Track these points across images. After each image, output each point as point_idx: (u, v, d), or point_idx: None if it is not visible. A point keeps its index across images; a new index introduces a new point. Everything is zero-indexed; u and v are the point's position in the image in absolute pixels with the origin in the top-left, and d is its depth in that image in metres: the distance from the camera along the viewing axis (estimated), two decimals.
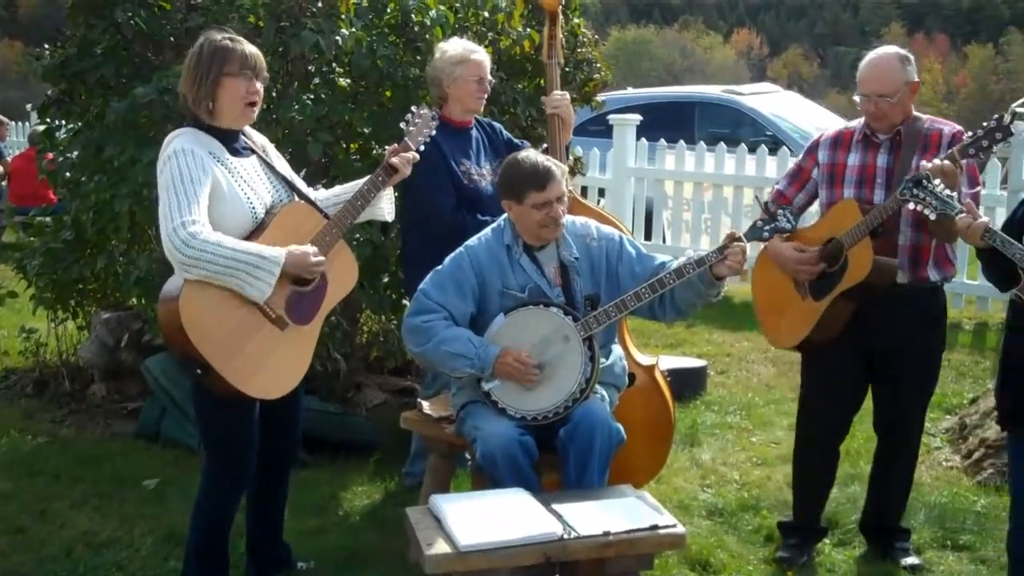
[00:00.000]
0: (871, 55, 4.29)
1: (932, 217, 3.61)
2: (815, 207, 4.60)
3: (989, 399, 5.64)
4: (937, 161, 3.85)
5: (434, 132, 4.10)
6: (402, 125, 4.05)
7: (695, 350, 7.78)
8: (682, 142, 10.28)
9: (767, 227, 3.85)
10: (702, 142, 10.32)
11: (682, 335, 8.26)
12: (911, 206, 3.69)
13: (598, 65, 6.61)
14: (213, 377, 3.48)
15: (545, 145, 5.27)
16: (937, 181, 3.61)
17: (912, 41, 59.50)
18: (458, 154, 4.70)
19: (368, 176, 3.92)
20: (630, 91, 15.16)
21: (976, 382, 6.80)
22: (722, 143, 10.08)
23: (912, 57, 4.27)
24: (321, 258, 3.67)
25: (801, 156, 4.50)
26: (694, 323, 8.43)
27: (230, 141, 3.71)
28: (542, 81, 6.05)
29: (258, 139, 3.88)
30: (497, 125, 5.01)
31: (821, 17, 72.27)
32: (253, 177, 3.72)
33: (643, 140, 10.44)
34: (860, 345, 4.24)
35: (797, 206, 4.42)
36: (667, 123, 11.82)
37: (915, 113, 4.25)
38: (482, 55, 4.78)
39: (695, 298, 3.87)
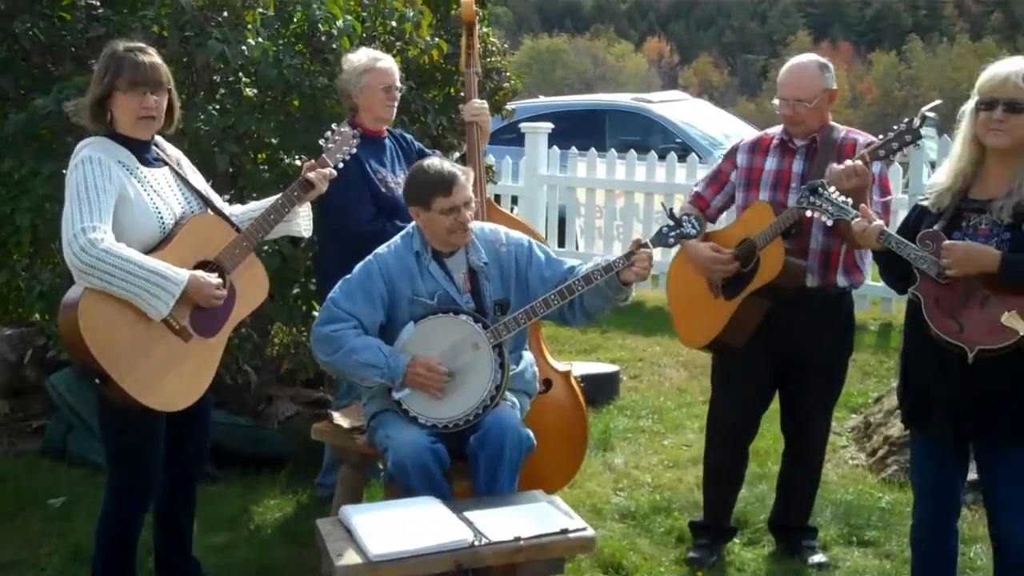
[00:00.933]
0: (792, 62, 4.40)
1: (829, 223, 3.70)
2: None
3: (893, 398, 5.76)
4: (849, 162, 3.94)
5: (355, 150, 4.07)
6: (321, 142, 4.01)
7: (609, 355, 7.84)
8: (593, 150, 10.36)
9: (672, 233, 3.91)
10: (613, 150, 10.41)
11: (596, 340, 8.31)
12: (808, 213, 3.77)
13: (508, 74, 6.64)
14: (112, 387, 3.43)
15: (459, 153, 5.30)
16: (832, 188, 3.70)
17: (818, 49, 60.71)
18: (374, 162, 4.69)
19: (283, 191, 3.89)
20: (541, 99, 15.26)
21: (880, 381, 6.96)
22: (632, 150, 10.19)
23: (831, 65, 4.38)
24: (223, 292, 3.63)
25: (721, 159, 4.59)
26: (608, 329, 8.50)
27: (141, 151, 3.66)
28: (452, 90, 6.09)
29: (172, 151, 3.84)
30: (408, 136, 5.02)
31: (729, 26, 73.40)
32: (164, 188, 3.67)
33: (555, 148, 10.50)
34: (769, 348, 4.32)
35: (715, 208, 4.54)
36: (578, 131, 11.92)
37: (831, 122, 4.36)
38: (388, 63, 4.78)
39: (604, 303, 3.92)
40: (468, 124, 4.90)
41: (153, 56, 3.65)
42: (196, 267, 3.63)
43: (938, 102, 4.21)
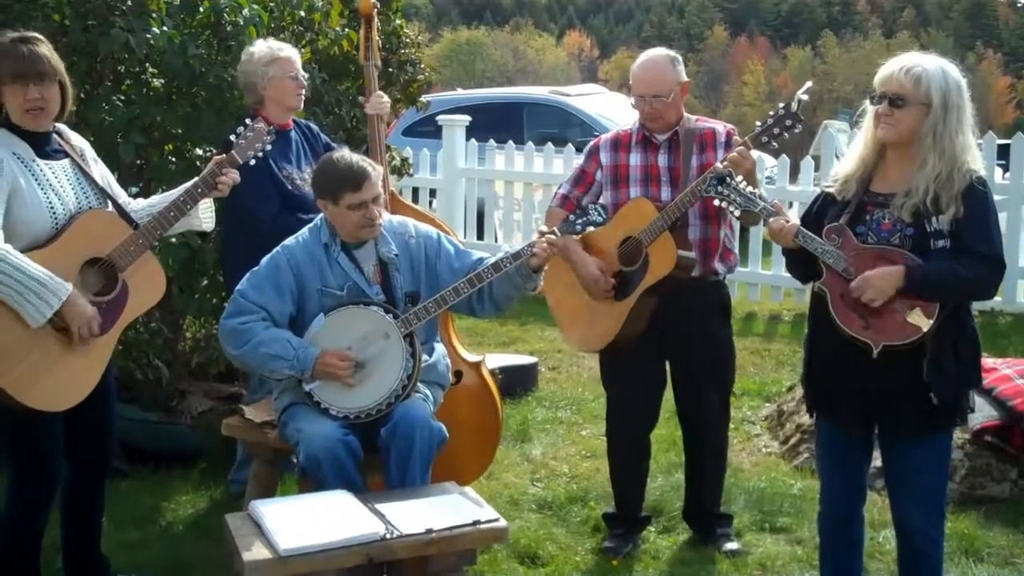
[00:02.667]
0: (642, 58, 4.43)
1: (736, 214, 3.73)
2: None
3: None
4: (733, 153, 3.98)
5: (268, 147, 3.98)
6: (232, 138, 3.93)
7: (527, 347, 7.85)
8: (511, 143, 10.38)
9: (579, 220, 3.93)
10: (531, 142, 10.43)
11: (515, 333, 8.32)
12: (716, 202, 3.79)
13: (422, 66, 6.62)
14: None
15: (366, 146, 5.25)
16: (740, 178, 3.73)
17: (735, 43, 61.53)
18: (280, 159, 4.62)
19: (185, 186, 3.79)
20: (459, 92, 15.26)
21: (794, 370, 7.05)
22: (550, 143, 10.22)
23: (680, 58, 4.44)
24: (98, 321, 3.51)
25: (583, 160, 4.58)
26: (527, 321, 8.52)
27: (40, 143, 3.56)
28: (365, 82, 6.04)
29: (76, 142, 3.74)
30: (315, 127, 4.97)
31: (648, 20, 74.01)
32: (62, 181, 3.58)
33: (473, 141, 10.50)
34: (654, 338, 4.35)
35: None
36: (496, 124, 11.94)
37: (685, 114, 4.42)
38: (291, 51, 4.74)
39: (512, 291, 3.92)
40: (370, 117, 4.91)
41: (37, 46, 3.52)
42: (87, 264, 3.55)
43: (809, 84, 4.27)
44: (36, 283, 3.34)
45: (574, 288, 4.43)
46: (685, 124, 4.36)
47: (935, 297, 3.23)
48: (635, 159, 4.39)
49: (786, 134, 3.97)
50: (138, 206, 3.87)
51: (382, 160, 4.78)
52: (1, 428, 3.61)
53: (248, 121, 4.00)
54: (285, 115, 4.72)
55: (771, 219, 3.51)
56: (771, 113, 4.03)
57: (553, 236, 3.82)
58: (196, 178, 3.80)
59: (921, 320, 3.23)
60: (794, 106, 3.94)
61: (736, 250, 4.50)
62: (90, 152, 3.80)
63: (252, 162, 3.93)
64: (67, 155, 3.65)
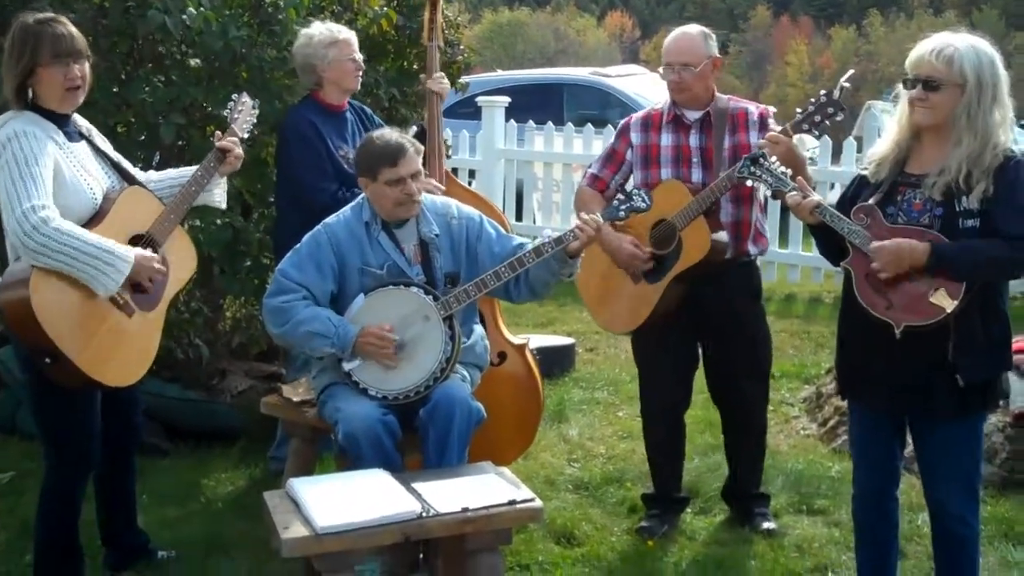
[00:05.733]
0: (676, 31, 4.43)
1: (768, 194, 3.71)
2: None
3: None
4: (772, 133, 3.95)
5: (255, 120, 4.12)
6: (225, 113, 4.05)
7: (565, 328, 7.85)
8: (550, 124, 10.35)
9: (623, 207, 3.92)
10: (570, 123, 10.40)
11: (553, 314, 8.33)
12: (748, 183, 3.78)
13: (462, 47, 6.61)
14: (64, 366, 3.39)
15: (415, 127, 5.27)
16: (773, 158, 3.70)
17: (778, 23, 60.89)
18: (336, 138, 4.70)
19: (200, 164, 3.88)
20: (499, 73, 15.22)
21: (833, 352, 6.97)
22: (590, 124, 10.18)
23: (713, 35, 4.42)
24: (162, 268, 3.63)
25: (614, 139, 4.57)
26: (564, 302, 8.51)
27: (63, 125, 3.60)
28: (405, 63, 6.06)
29: (83, 123, 3.78)
30: (368, 109, 5.03)
31: (691, 0, 73.41)
32: (88, 162, 3.63)
33: (512, 122, 10.48)
34: (687, 319, 4.34)
35: (614, 188, 4.49)
36: (536, 105, 11.93)
37: (717, 94, 4.38)
38: (349, 33, 4.80)
39: (550, 277, 3.91)
40: (430, 96, 4.93)
41: (68, 26, 3.57)
42: (130, 241, 3.60)
43: (851, 72, 4.25)
44: (107, 254, 3.41)
45: (604, 271, 4.43)
46: (717, 104, 4.33)
47: (962, 275, 3.18)
48: (666, 139, 4.36)
49: (827, 121, 3.94)
50: (153, 177, 3.95)
51: (439, 138, 4.86)
52: (42, 408, 3.68)
53: (235, 96, 4.11)
54: (342, 96, 4.79)
55: (790, 193, 3.49)
56: (812, 100, 3.99)
57: (596, 219, 3.80)
58: (208, 154, 3.89)
59: (945, 301, 3.19)
60: (836, 93, 3.91)
61: (767, 233, 4.47)
62: (96, 132, 3.85)
63: (245, 135, 4.05)
64: (82, 136, 3.69)
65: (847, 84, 3.95)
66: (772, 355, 4.64)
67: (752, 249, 4.37)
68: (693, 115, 4.34)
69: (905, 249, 3.21)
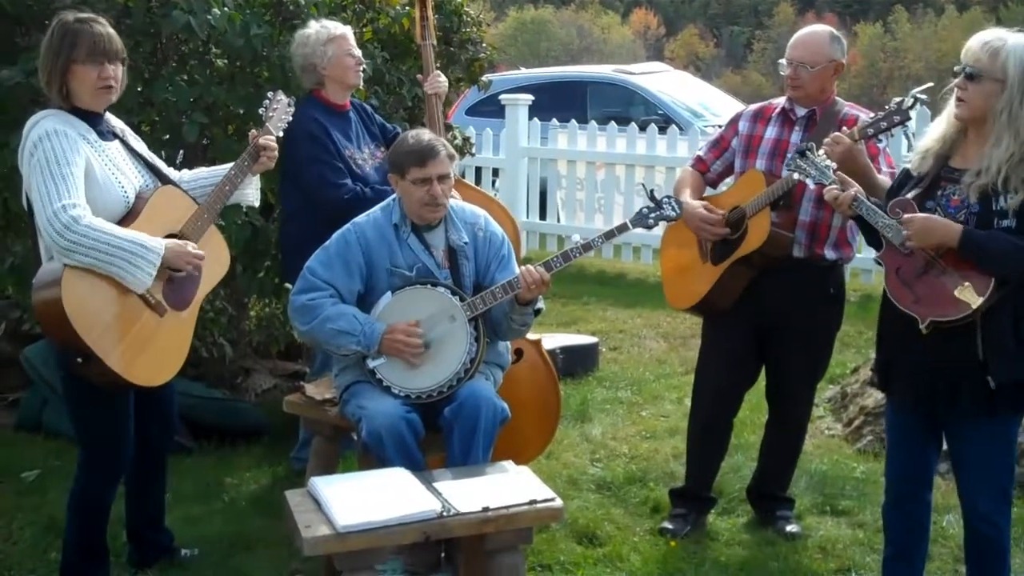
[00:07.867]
0: (806, 28, 4.44)
1: (811, 185, 3.70)
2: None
3: (869, 369, 5.78)
4: (836, 133, 3.92)
5: (290, 117, 4.09)
6: (260, 111, 4.04)
7: (589, 327, 7.83)
8: (574, 122, 10.34)
9: (652, 215, 3.97)
10: (594, 121, 10.38)
11: (576, 313, 8.31)
12: (795, 176, 3.77)
13: (484, 45, 6.60)
14: (95, 366, 3.39)
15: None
16: (821, 152, 3.68)
17: (802, 20, 60.57)
18: (343, 139, 4.68)
19: (235, 162, 3.88)
20: (522, 71, 15.20)
21: (859, 352, 6.97)
22: (613, 122, 10.16)
23: (843, 39, 4.38)
24: (200, 252, 3.63)
25: (725, 125, 4.60)
26: (588, 300, 8.51)
27: (95, 123, 3.62)
28: None
29: (116, 123, 3.79)
30: (369, 108, 5.01)
31: None
32: (120, 161, 3.64)
33: (535, 120, 10.47)
34: (752, 317, 4.33)
35: (715, 172, 4.55)
36: (559, 103, 11.90)
37: (836, 98, 4.36)
38: (345, 28, 4.79)
39: (505, 321, 3.94)
40: (428, 96, 4.94)
41: (106, 26, 3.60)
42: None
43: (930, 84, 4.19)
44: (139, 247, 3.42)
45: (681, 247, 4.49)
46: (832, 106, 4.31)
47: (989, 262, 3.17)
48: (770, 132, 4.37)
49: (892, 130, 3.92)
50: (186, 176, 3.95)
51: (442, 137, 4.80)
52: (76, 407, 3.69)
53: (270, 94, 4.09)
54: (344, 94, 4.77)
55: (828, 187, 3.48)
56: (884, 108, 3.96)
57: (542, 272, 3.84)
58: (243, 152, 3.89)
59: (971, 297, 3.18)
60: (907, 103, 3.89)
61: (855, 242, 4.39)
62: (129, 132, 3.86)
63: (280, 133, 4.02)
64: (115, 136, 3.71)
65: (922, 96, 3.93)
66: (828, 362, 4.63)
67: (830, 254, 4.30)
68: (801, 111, 4.33)
69: (938, 225, 3.22)
